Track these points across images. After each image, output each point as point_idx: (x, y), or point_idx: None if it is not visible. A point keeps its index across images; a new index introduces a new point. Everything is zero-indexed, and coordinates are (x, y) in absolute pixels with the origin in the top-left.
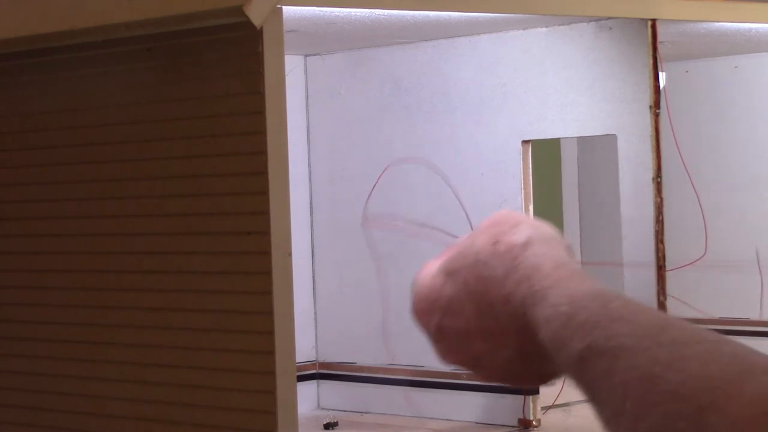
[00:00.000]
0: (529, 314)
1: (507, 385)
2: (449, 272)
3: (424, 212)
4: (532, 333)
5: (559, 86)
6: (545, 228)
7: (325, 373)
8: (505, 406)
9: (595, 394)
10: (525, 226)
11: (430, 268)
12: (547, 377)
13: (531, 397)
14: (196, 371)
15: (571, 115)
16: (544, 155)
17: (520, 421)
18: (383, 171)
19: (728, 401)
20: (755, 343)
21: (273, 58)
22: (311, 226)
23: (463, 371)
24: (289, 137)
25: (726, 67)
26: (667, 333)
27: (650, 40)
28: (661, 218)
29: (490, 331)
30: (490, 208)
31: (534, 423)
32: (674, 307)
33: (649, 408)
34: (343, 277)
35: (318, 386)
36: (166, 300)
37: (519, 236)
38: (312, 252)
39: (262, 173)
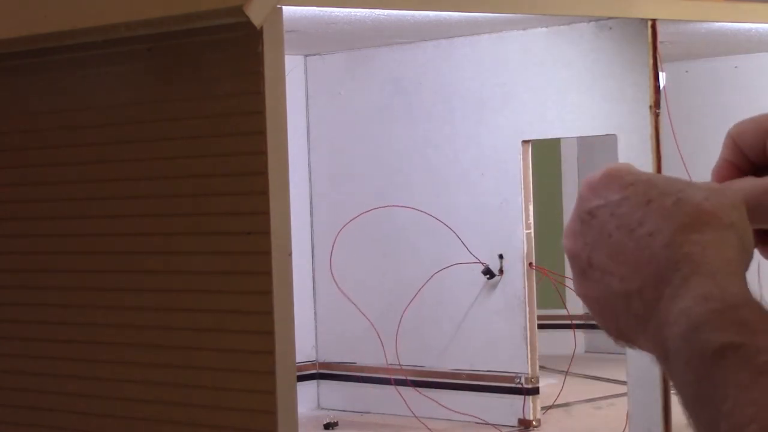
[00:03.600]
0: (683, 274)
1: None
2: (649, 181)
3: (424, 208)
4: (667, 282)
5: (559, 86)
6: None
7: (325, 373)
8: (505, 406)
9: (707, 392)
10: (740, 213)
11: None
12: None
13: (531, 397)
14: (196, 371)
15: (571, 115)
16: (544, 155)
17: (520, 421)
18: (358, 215)
19: None
20: None
21: (273, 58)
22: (311, 226)
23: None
24: (289, 137)
25: (726, 67)
26: None
27: (650, 40)
28: None
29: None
30: (490, 208)
31: (534, 423)
32: None
33: None
34: (344, 277)
35: (318, 386)
36: (167, 300)
37: (732, 216)
38: (312, 252)
39: (262, 173)
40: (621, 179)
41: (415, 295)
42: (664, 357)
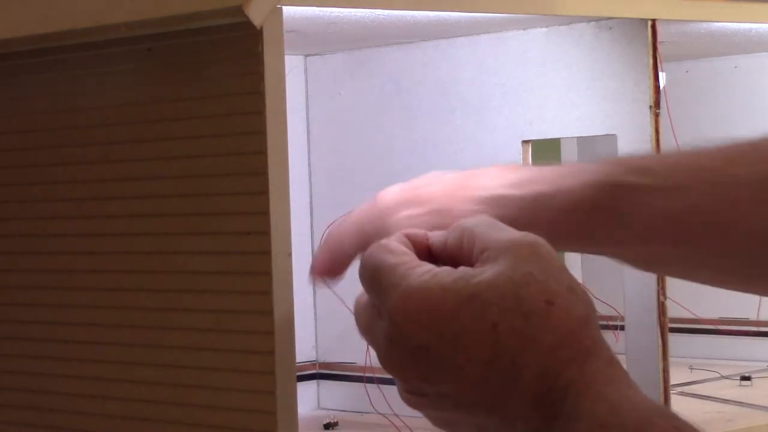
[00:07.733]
0: (571, 404)
1: None
2: (474, 297)
3: None
4: (554, 416)
5: (559, 86)
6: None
7: (325, 373)
8: None
9: None
10: (579, 296)
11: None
12: None
13: None
14: (196, 371)
15: (571, 115)
16: (544, 155)
17: None
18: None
19: None
20: (755, 343)
21: (273, 58)
22: (311, 226)
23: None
24: (289, 137)
25: (726, 67)
26: None
27: (650, 40)
28: None
29: (493, 389)
30: None
31: None
32: (672, 308)
33: None
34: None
35: (318, 386)
36: (166, 300)
37: (579, 308)
38: (312, 252)
39: (262, 173)
40: (444, 304)
41: None
42: None
